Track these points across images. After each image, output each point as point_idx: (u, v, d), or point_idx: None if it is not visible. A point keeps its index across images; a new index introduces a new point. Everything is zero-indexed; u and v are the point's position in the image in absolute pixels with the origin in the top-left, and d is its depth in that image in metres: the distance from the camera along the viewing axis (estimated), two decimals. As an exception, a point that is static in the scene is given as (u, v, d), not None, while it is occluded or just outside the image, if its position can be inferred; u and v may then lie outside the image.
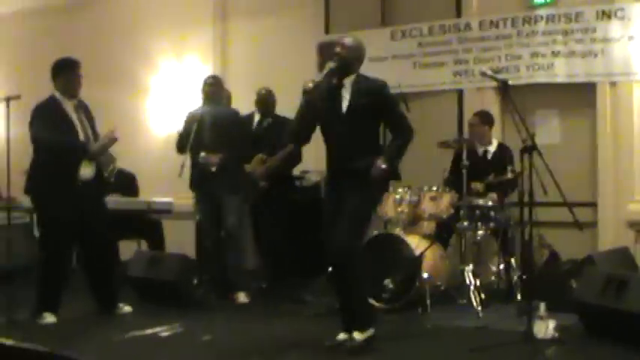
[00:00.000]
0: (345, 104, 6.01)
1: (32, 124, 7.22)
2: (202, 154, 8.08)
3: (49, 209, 7.23)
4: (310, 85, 5.93)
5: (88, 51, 9.92)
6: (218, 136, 8.13)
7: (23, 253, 9.30)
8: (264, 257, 9.06)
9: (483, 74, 6.82)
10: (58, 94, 7.31)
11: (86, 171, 7.27)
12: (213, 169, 8.07)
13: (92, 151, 7.25)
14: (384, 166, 5.79)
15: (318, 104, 6.04)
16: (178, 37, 11.57)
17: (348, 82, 6.04)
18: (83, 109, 7.43)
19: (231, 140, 8.12)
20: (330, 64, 5.96)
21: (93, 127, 7.44)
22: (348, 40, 6.14)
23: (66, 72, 7.34)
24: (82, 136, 7.27)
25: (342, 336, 5.96)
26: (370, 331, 5.87)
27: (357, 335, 5.81)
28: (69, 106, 7.30)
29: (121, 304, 7.51)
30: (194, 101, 8.75)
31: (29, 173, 7.33)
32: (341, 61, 6.00)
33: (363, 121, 5.97)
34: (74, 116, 7.29)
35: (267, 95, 8.95)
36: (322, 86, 6.05)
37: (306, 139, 6.26)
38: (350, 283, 5.94)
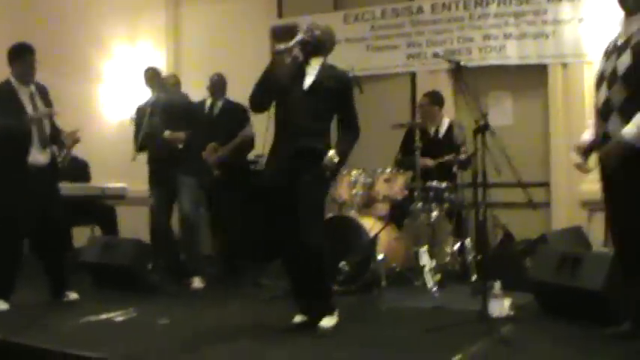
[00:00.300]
0: (307, 82, 5.96)
1: None
2: (167, 132, 8.02)
3: (0, 196, 7.14)
4: (282, 46, 5.88)
5: (41, 35, 9.79)
6: (171, 121, 8.07)
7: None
8: (219, 242, 9.05)
9: (436, 55, 6.87)
10: (13, 80, 7.21)
11: (39, 157, 7.17)
12: (180, 146, 8.01)
13: (40, 137, 7.17)
14: (336, 159, 5.80)
15: (282, 73, 5.99)
16: (131, 21, 11.47)
17: (314, 62, 6.01)
18: (40, 95, 7.31)
19: (187, 123, 8.08)
20: (302, 35, 5.94)
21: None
22: (320, 24, 6.14)
23: (21, 58, 7.21)
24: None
25: (298, 318, 6.00)
26: (336, 316, 5.90)
27: (326, 322, 5.83)
28: (23, 92, 7.21)
29: (67, 292, 7.41)
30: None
31: None
32: (312, 38, 5.97)
33: (322, 105, 5.91)
34: (27, 102, 7.19)
35: (219, 80, 8.92)
36: (288, 58, 6.02)
37: (267, 103, 6.13)
38: (317, 275, 5.95)
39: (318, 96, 5.92)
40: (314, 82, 5.95)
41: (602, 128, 5.12)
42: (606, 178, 5.27)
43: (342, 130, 6.08)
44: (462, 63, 6.62)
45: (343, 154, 5.93)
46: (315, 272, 5.95)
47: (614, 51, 5.13)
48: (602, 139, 5.14)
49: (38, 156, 7.17)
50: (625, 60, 4.95)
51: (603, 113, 5.10)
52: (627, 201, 5.03)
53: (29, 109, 7.18)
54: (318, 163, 5.80)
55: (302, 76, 5.99)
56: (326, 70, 6.01)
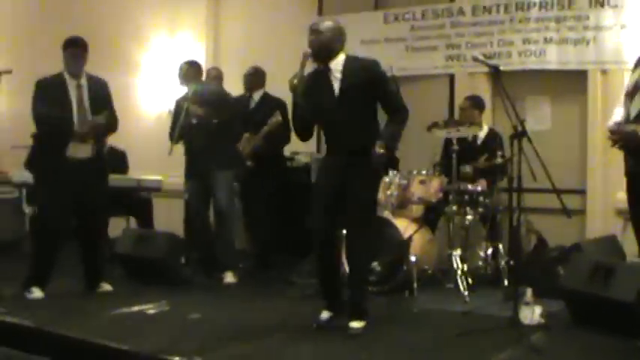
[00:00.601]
0: (336, 87, 5.96)
1: (32, 99, 7.23)
2: (192, 106, 8.03)
3: (43, 185, 7.22)
4: (294, 81, 5.92)
5: (80, 26, 9.89)
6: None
7: (11, 229, 9.30)
8: (252, 237, 9.08)
9: (475, 59, 6.81)
10: (65, 72, 7.29)
11: (78, 150, 7.23)
12: (194, 120, 8.01)
13: (77, 132, 7.21)
14: (382, 151, 5.77)
15: (307, 95, 6.01)
16: (171, 13, 11.54)
17: (335, 64, 5.99)
18: (93, 88, 7.36)
19: (216, 111, 8.04)
20: (306, 52, 5.95)
21: (98, 107, 7.31)
22: (321, 25, 6.09)
23: (65, 50, 7.29)
24: (75, 117, 7.21)
25: (325, 314, 6.06)
26: (365, 322, 5.90)
27: (357, 324, 5.84)
28: (71, 84, 7.27)
29: (102, 283, 7.51)
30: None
31: (31, 148, 7.32)
32: (317, 47, 5.97)
33: (358, 102, 5.92)
34: (73, 95, 7.25)
35: (253, 73, 8.97)
36: (305, 76, 6.05)
37: (307, 128, 6.23)
38: (360, 276, 6.05)
39: (352, 96, 5.92)
40: (342, 84, 5.95)
41: None
42: (633, 192, 5.19)
43: (387, 113, 6.07)
44: (501, 67, 6.61)
45: (390, 139, 5.92)
46: (358, 273, 6.02)
47: None
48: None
49: (76, 149, 7.22)
50: None
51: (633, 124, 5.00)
52: None
53: (74, 101, 7.23)
54: (367, 162, 5.81)
55: (329, 84, 6.00)
56: (350, 67, 5.99)
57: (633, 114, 4.89)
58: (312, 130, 6.28)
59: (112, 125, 7.52)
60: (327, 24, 6.09)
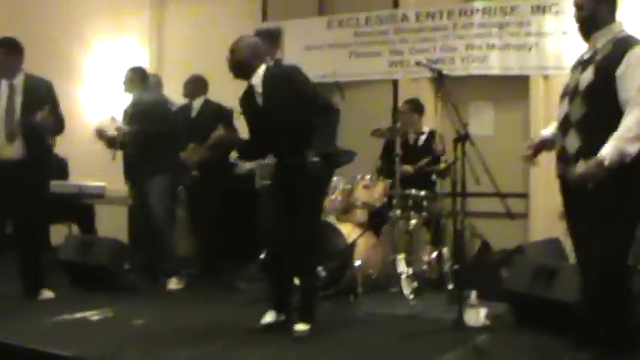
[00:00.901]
0: (260, 101, 6.05)
1: None
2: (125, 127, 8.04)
3: None
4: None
5: (21, 28, 9.75)
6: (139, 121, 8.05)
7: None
8: (198, 243, 9.03)
9: (418, 63, 6.87)
10: None
11: (5, 151, 7.16)
12: (115, 134, 8.03)
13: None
14: (315, 159, 5.77)
15: (244, 114, 6.27)
16: (115, 17, 11.47)
17: (256, 80, 6.05)
18: (27, 88, 7.26)
19: (154, 122, 7.99)
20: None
21: (33, 107, 7.16)
22: (234, 44, 6.14)
23: None
24: (2, 117, 7.15)
25: (269, 317, 6.10)
26: (310, 325, 5.92)
27: (303, 326, 5.87)
28: (3, 85, 7.22)
29: (43, 290, 7.40)
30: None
31: None
32: (232, 66, 6.08)
33: (285, 111, 5.95)
34: (3, 95, 7.19)
35: (193, 81, 8.94)
36: (239, 98, 6.25)
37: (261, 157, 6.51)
38: (305, 277, 6.12)
39: (277, 106, 5.98)
40: (264, 98, 6.03)
41: (561, 142, 5.03)
42: (566, 191, 5.21)
43: (314, 117, 6.02)
44: (444, 72, 6.65)
45: (321, 143, 5.87)
46: (305, 277, 6.10)
47: (578, 65, 5.08)
48: (562, 154, 5.05)
49: (3, 149, 7.14)
50: (587, 76, 4.85)
51: (562, 127, 5.01)
52: (589, 218, 4.91)
53: (3, 101, 7.16)
54: (308, 168, 5.80)
55: (254, 98, 6.10)
56: (269, 79, 6.05)
57: (574, 118, 4.91)
58: (263, 154, 6.35)
59: (54, 126, 7.39)
60: (240, 42, 6.14)
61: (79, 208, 9.82)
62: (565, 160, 5.00)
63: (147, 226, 8.17)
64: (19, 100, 7.22)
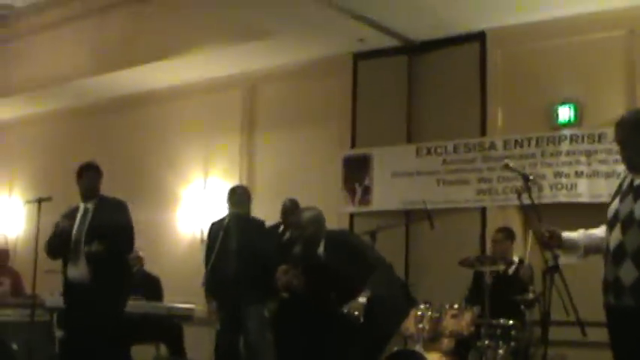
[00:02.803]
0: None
1: None
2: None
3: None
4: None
5: (117, 154, 10.09)
6: (244, 242, 8.14)
7: (42, 352, 9.30)
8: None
9: (506, 167, 6.76)
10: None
11: (73, 272, 7.32)
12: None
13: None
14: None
15: None
16: (206, 147, 11.78)
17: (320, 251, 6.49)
18: (97, 211, 7.43)
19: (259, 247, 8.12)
20: None
21: (101, 231, 7.30)
22: (301, 218, 6.63)
23: (78, 176, 7.51)
24: (72, 242, 7.31)
25: None
26: None
27: None
28: (81, 208, 7.43)
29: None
30: (220, 209, 8.81)
31: None
32: (304, 244, 6.61)
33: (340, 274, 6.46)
34: (78, 218, 7.39)
35: (290, 206, 8.99)
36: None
37: None
38: None
39: (337, 269, 6.47)
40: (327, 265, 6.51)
41: (614, 272, 4.88)
42: (616, 323, 5.05)
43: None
44: (531, 177, 6.45)
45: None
46: None
47: (629, 192, 4.89)
48: (614, 284, 4.90)
49: (72, 271, 7.30)
50: None
51: (616, 257, 4.85)
52: None
53: (75, 226, 7.34)
54: None
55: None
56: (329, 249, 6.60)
57: (631, 248, 4.77)
58: None
59: (120, 248, 7.48)
60: (307, 215, 6.51)
61: (168, 328, 9.84)
62: (618, 291, 4.87)
63: (235, 351, 8.19)
64: (86, 223, 7.37)
